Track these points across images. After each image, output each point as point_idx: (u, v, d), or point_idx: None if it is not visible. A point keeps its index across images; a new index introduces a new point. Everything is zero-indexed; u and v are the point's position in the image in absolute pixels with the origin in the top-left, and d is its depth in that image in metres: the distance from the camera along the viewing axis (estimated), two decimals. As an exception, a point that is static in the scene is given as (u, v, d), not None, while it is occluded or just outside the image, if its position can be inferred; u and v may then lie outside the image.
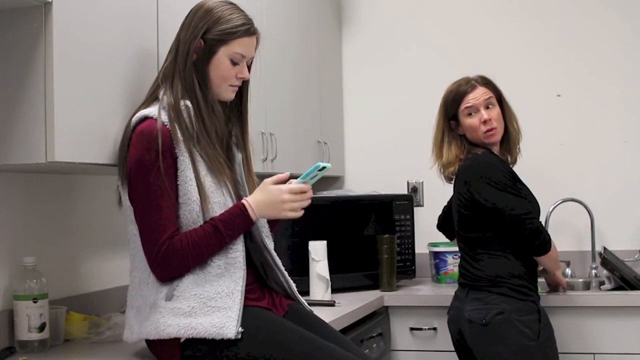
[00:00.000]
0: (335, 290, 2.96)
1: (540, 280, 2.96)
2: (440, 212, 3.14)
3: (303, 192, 1.97)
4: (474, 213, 2.72)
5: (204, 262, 1.88)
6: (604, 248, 3.35)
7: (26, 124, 1.79)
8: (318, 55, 3.60)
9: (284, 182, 1.99)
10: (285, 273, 2.10)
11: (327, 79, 3.74)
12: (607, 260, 3.15)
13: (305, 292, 2.56)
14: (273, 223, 2.11)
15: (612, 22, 3.65)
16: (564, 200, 3.54)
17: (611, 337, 2.97)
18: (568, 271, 3.53)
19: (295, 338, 1.88)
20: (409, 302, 3.18)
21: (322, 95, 3.63)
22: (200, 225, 1.88)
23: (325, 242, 2.92)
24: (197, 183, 1.89)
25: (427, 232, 3.44)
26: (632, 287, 3.11)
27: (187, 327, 1.82)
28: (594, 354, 2.99)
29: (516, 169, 2.83)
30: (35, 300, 2.03)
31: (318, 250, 2.90)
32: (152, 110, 1.92)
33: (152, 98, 2.00)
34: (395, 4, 3.92)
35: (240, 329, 1.82)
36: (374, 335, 2.92)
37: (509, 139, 2.83)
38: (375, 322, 2.98)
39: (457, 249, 2.96)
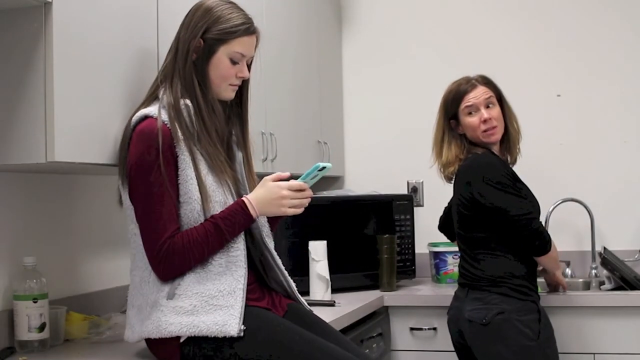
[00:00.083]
0: (335, 290, 2.96)
1: (540, 280, 2.96)
2: (440, 212, 3.14)
3: (302, 189, 1.97)
4: (474, 213, 2.72)
5: (205, 260, 1.88)
6: (604, 248, 3.35)
7: (26, 124, 1.79)
8: (318, 55, 3.60)
9: (285, 180, 1.99)
10: (285, 272, 2.10)
11: (327, 79, 3.74)
12: (607, 260, 3.15)
13: (305, 292, 2.56)
14: (273, 222, 2.11)
15: (612, 22, 3.65)
16: (564, 200, 3.54)
17: (611, 337, 2.97)
18: (568, 271, 3.53)
19: (295, 338, 1.88)
20: (409, 302, 3.18)
21: (322, 95, 3.63)
22: (201, 223, 1.89)
23: (325, 242, 2.92)
24: (198, 182, 1.89)
25: (427, 232, 3.44)
26: (632, 287, 3.11)
27: (189, 325, 1.82)
28: (594, 354, 2.99)
29: (516, 169, 2.83)
30: (35, 300, 2.03)
31: (318, 250, 2.90)
32: (152, 110, 1.92)
33: (152, 97, 2.00)
34: (395, 4, 3.92)
35: (242, 327, 1.83)
36: (374, 335, 2.92)
37: (509, 138, 2.83)
38: (375, 322, 2.98)
39: (457, 249, 2.96)
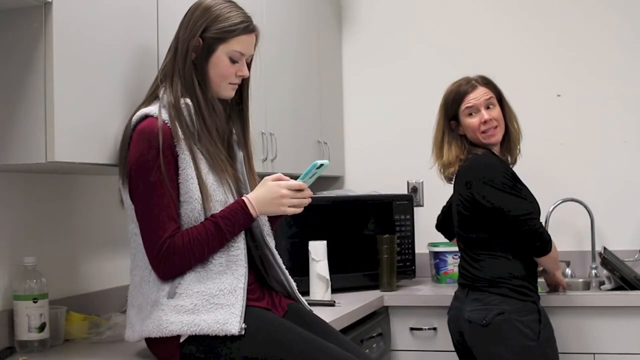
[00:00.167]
0: (335, 290, 2.96)
1: (540, 280, 2.96)
2: (439, 212, 3.14)
3: (301, 189, 1.97)
4: (474, 213, 2.72)
5: (205, 259, 1.88)
6: (604, 248, 3.35)
7: (26, 124, 1.79)
8: (318, 55, 3.60)
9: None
10: (286, 272, 2.10)
11: (327, 79, 3.74)
12: (607, 260, 3.15)
13: (305, 292, 2.56)
14: (273, 221, 2.11)
15: (612, 22, 3.65)
16: (564, 200, 3.54)
17: (611, 337, 2.97)
18: (568, 271, 3.53)
19: (295, 338, 1.88)
20: (409, 302, 3.18)
21: (322, 95, 3.63)
22: (201, 223, 1.89)
23: (325, 242, 2.92)
24: (198, 181, 1.89)
25: (427, 232, 3.44)
26: (632, 287, 3.11)
27: (190, 324, 1.82)
28: (594, 354, 2.99)
29: (516, 169, 2.83)
30: (35, 300, 2.03)
31: (318, 250, 2.90)
32: (152, 109, 1.92)
33: (152, 97, 2.00)
34: (395, 4, 3.92)
35: (243, 325, 1.83)
36: (374, 335, 2.92)
37: (509, 139, 2.83)
38: (375, 322, 2.98)
39: (457, 249, 2.96)
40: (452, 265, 3.42)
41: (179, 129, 1.91)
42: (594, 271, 3.52)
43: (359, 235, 3.32)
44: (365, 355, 2.13)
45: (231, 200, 1.95)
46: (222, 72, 2.01)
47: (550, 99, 3.70)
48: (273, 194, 1.95)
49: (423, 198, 3.83)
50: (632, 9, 3.63)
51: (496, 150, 2.81)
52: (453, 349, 2.86)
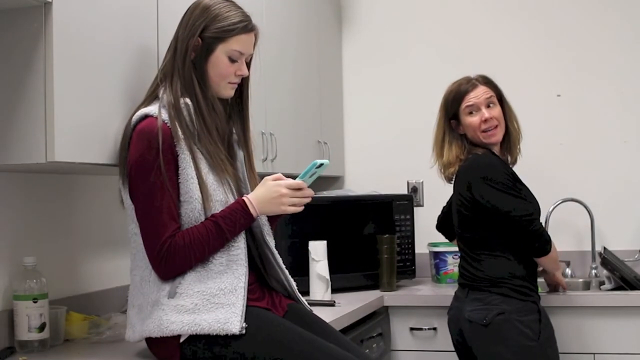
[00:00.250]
0: (335, 290, 2.96)
1: (540, 280, 2.96)
2: (440, 212, 3.14)
3: (300, 188, 1.97)
4: (474, 213, 2.72)
5: (205, 259, 1.88)
6: (604, 248, 3.35)
7: (26, 124, 1.79)
8: (318, 55, 3.60)
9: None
10: (286, 271, 2.09)
11: (327, 79, 3.74)
12: (607, 260, 3.15)
13: (305, 292, 2.55)
14: (273, 220, 2.11)
15: (612, 22, 3.65)
16: (564, 200, 3.54)
17: (611, 337, 2.97)
18: (568, 271, 3.53)
19: (295, 338, 1.88)
20: (409, 302, 3.18)
21: (322, 95, 3.63)
22: (202, 222, 1.89)
23: (325, 242, 2.92)
24: (198, 181, 1.89)
25: (427, 232, 3.43)
26: (632, 287, 3.11)
27: (191, 323, 1.82)
28: (594, 354, 2.99)
29: (516, 169, 2.83)
30: (35, 300, 2.03)
31: (318, 250, 2.90)
32: (152, 109, 1.92)
33: (152, 97, 2.00)
34: (395, 4, 3.92)
35: (244, 325, 1.83)
36: (374, 335, 2.92)
37: (510, 138, 2.83)
38: (375, 322, 2.98)
39: (457, 249, 2.96)
40: (452, 265, 3.42)
41: (178, 129, 1.90)
42: (594, 271, 3.52)
43: (359, 235, 3.32)
44: (365, 355, 2.13)
45: (231, 200, 1.95)
46: (221, 71, 2.01)
47: (550, 99, 3.70)
48: (273, 193, 1.95)
49: (423, 198, 3.83)
50: (632, 9, 3.63)
51: (496, 150, 2.81)
52: (453, 349, 2.86)
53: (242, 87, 2.12)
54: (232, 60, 2.01)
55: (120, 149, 1.96)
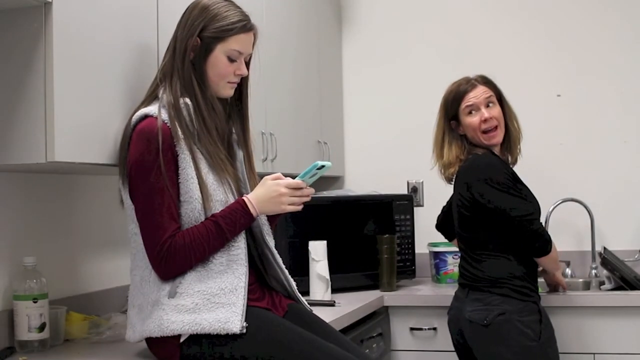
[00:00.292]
0: (335, 290, 2.96)
1: (540, 280, 2.96)
2: (440, 212, 3.14)
3: (300, 187, 1.97)
4: (475, 214, 2.72)
5: (206, 259, 1.88)
6: (604, 248, 3.35)
7: (26, 124, 1.79)
8: (318, 55, 3.60)
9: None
10: (286, 271, 2.09)
11: (327, 79, 3.74)
12: (607, 260, 3.15)
13: (305, 292, 2.56)
14: (272, 220, 2.11)
15: (612, 22, 3.65)
16: (564, 200, 3.54)
17: (611, 337, 2.97)
18: (568, 271, 3.53)
19: (295, 338, 1.88)
20: (409, 302, 3.18)
21: (322, 95, 3.63)
22: (202, 222, 1.89)
23: (325, 242, 2.92)
24: (198, 181, 1.89)
25: (427, 232, 3.43)
26: (632, 287, 3.11)
27: (192, 323, 1.82)
28: (594, 354, 2.99)
29: (516, 169, 2.83)
30: (35, 300, 2.03)
31: (318, 250, 2.90)
32: (152, 109, 1.92)
33: (151, 97, 2.00)
34: (395, 4, 3.92)
35: (245, 324, 1.83)
36: (374, 335, 2.92)
37: (510, 138, 2.83)
38: (375, 322, 2.98)
39: (457, 249, 2.96)
40: (452, 265, 3.42)
41: (178, 129, 1.91)
42: (594, 271, 3.52)
43: (359, 235, 3.32)
44: (365, 355, 2.13)
45: (231, 200, 1.95)
46: (220, 71, 2.01)
47: (550, 99, 3.70)
48: (272, 192, 1.95)
49: (423, 198, 3.83)
50: (632, 9, 3.63)
51: (496, 150, 2.81)
52: (453, 349, 2.86)
53: (242, 86, 2.12)
54: (231, 60, 2.01)
55: (120, 149, 1.96)
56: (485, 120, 2.75)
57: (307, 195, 1.99)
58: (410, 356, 3.16)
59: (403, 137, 3.84)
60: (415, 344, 3.16)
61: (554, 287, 3.02)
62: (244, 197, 1.94)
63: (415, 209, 3.53)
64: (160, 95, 1.97)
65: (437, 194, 3.22)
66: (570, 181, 3.63)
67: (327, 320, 2.17)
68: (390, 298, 3.16)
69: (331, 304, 2.80)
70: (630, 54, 3.62)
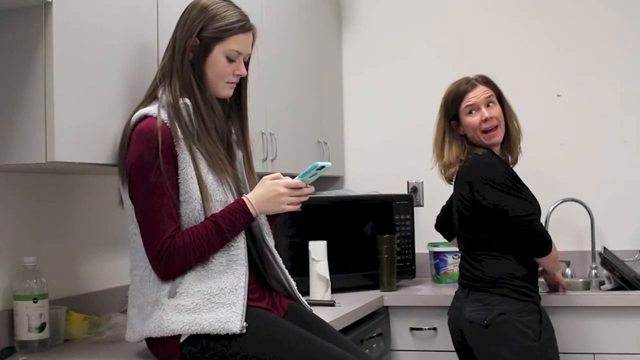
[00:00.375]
0: (335, 290, 2.96)
1: (540, 280, 2.96)
2: (439, 212, 3.14)
3: (299, 187, 1.97)
4: (475, 214, 2.72)
5: (205, 259, 1.88)
6: (604, 248, 3.35)
7: (26, 124, 1.79)
8: (318, 55, 3.60)
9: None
10: (286, 271, 2.09)
11: (327, 79, 3.74)
12: (607, 260, 3.15)
13: (305, 292, 2.56)
14: (272, 219, 2.11)
15: (612, 22, 3.65)
16: (564, 200, 3.54)
17: (611, 337, 2.98)
18: (568, 271, 3.53)
19: (295, 338, 1.88)
20: (409, 302, 3.18)
21: (322, 95, 3.63)
22: (201, 222, 1.89)
23: (325, 242, 2.92)
24: (198, 181, 1.89)
25: (427, 232, 3.43)
26: (632, 287, 3.11)
27: (192, 323, 1.82)
28: (594, 354, 2.99)
29: (516, 169, 2.83)
30: (35, 300, 2.03)
31: (318, 250, 2.90)
32: (151, 109, 1.92)
33: (151, 97, 2.00)
34: (395, 4, 3.92)
35: (245, 324, 1.83)
36: (374, 335, 2.92)
37: (510, 138, 2.83)
38: (375, 322, 2.98)
39: (457, 249, 2.96)
40: (452, 265, 3.42)
41: (178, 129, 1.91)
42: (594, 271, 3.52)
43: (359, 235, 3.32)
44: (365, 355, 2.13)
45: (231, 200, 1.95)
46: (219, 71, 2.01)
47: (550, 99, 3.70)
48: (271, 192, 1.95)
49: (423, 198, 3.83)
50: (632, 9, 3.63)
51: (496, 150, 2.81)
52: (453, 349, 2.86)
53: (241, 86, 2.11)
54: (230, 60, 2.01)
55: (119, 149, 1.96)
56: (485, 120, 2.75)
57: (306, 195, 1.99)
58: (410, 356, 3.16)
59: (403, 137, 3.84)
60: (415, 344, 3.16)
61: (554, 287, 3.02)
62: (243, 197, 1.95)
63: (415, 209, 3.53)
64: (159, 96, 1.97)
65: (437, 194, 3.22)
66: (570, 181, 3.63)
67: (327, 320, 2.17)
68: (390, 298, 3.16)
69: (331, 304, 2.80)
70: (630, 54, 3.62)
